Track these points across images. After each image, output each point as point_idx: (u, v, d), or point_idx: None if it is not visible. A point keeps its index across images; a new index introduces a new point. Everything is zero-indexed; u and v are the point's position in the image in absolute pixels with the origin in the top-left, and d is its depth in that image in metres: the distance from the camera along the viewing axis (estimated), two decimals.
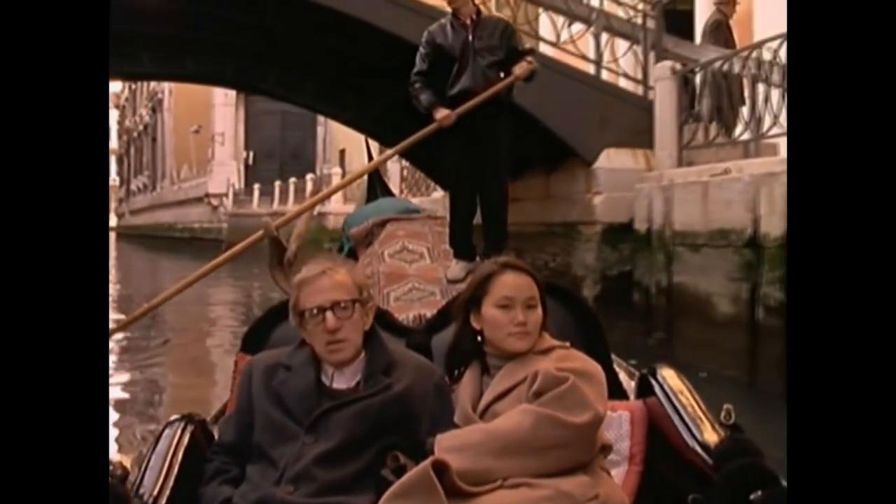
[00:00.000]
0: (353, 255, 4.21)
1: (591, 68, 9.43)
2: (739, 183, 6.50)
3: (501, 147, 4.64)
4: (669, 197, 7.52)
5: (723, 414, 1.99)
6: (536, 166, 9.53)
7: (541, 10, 9.64)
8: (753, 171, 6.48)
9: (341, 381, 2.11)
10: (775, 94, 7.04)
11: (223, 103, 33.42)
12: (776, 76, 7.12)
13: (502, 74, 4.54)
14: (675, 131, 8.31)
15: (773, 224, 6.03)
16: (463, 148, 4.53)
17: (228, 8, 9.66)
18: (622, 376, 2.66)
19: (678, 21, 13.76)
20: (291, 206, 25.05)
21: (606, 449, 2.08)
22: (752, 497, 1.73)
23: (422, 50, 4.64)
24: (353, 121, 13.52)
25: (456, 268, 3.93)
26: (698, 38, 12.41)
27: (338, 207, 21.79)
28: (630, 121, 8.82)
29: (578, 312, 2.69)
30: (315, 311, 2.07)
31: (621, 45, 9.55)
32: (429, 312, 3.01)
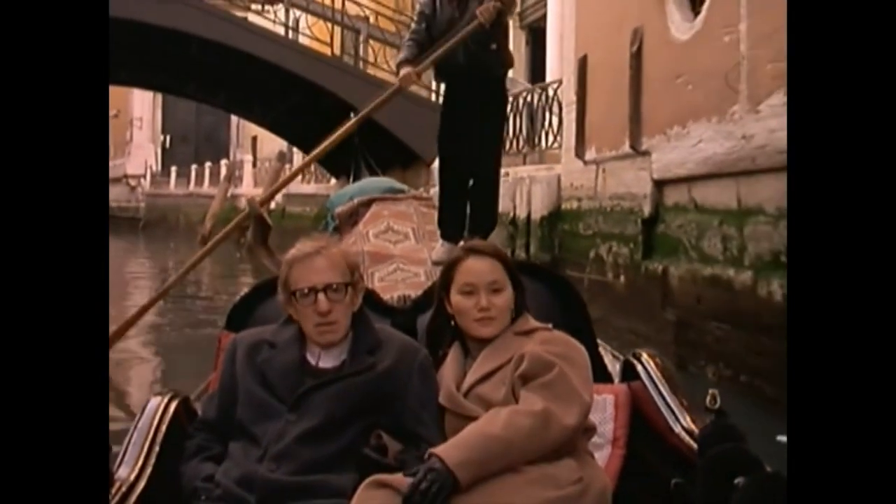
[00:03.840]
0: (337, 234, 4.16)
1: (432, 95, 12.89)
2: (507, 182, 9.96)
3: (494, 129, 4.55)
4: None
5: (708, 399, 1.98)
6: (396, 165, 12.90)
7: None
8: (514, 175, 9.96)
9: (327, 361, 2.08)
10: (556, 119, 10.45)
11: (141, 89, 35.00)
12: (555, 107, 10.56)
13: (493, 46, 4.33)
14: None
15: (521, 210, 9.50)
16: (455, 129, 4.38)
17: (158, 39, 12.68)
18: (606, 360, 2.63)
19: (538, 36, 17.21)
20: (207, 188, 27.57)
21: (590, 431, 2.08)
22: (735, 482, 1.72)
23: (415, 18, 4.60)
24: (258, 121, 16.71)
25: (441, 250, 3.88)
26: (549, 51, 15.78)
27: (248, 190, 24.51)
28: None
29: (562, 295, 2.66)
30: (307, 291, 2.04)
31: None
32: (413, 293, 2.99)
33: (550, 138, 10.43)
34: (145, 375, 7.05)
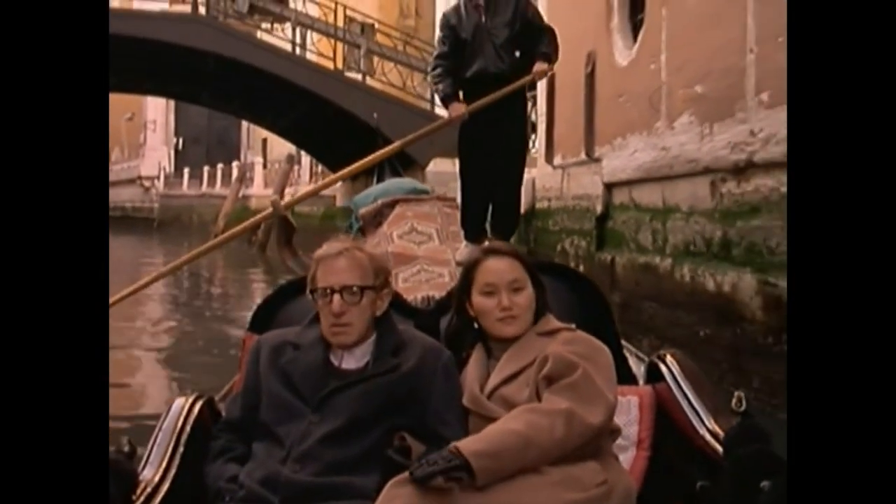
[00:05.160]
0: (361, 235, 4.17)
1: (426, 105, 14.14)
2: None
3: (517, 132, 4.55)
4: None
5: (734, 401, 1.97)
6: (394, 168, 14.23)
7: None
8: None
9: (350, 362, 2.09)
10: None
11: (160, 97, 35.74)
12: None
13: (517, 53, 4.43)
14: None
15: None
16: (477, 132, 4.40)
17: (178, 54, 13.93)
18: (630, 361, 2.62)
19: None
20: (219, 189, 28.70)
21: (615, 433, 2.06)
22: (762, 485, 1.69)
23: (439, 33, 4.56)
24: (268, 127, 17.98)
25: (465, 251, 3.85)
26: None
27: (259, 191, 25.61)
28: (450, 139, 13.43)
29: (585, 294, 2.64)
30: (326, 291, 2.06)
31: None
32: (437, 294, 2.95)
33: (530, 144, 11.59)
34: None
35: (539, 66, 4.42)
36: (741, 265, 5.39)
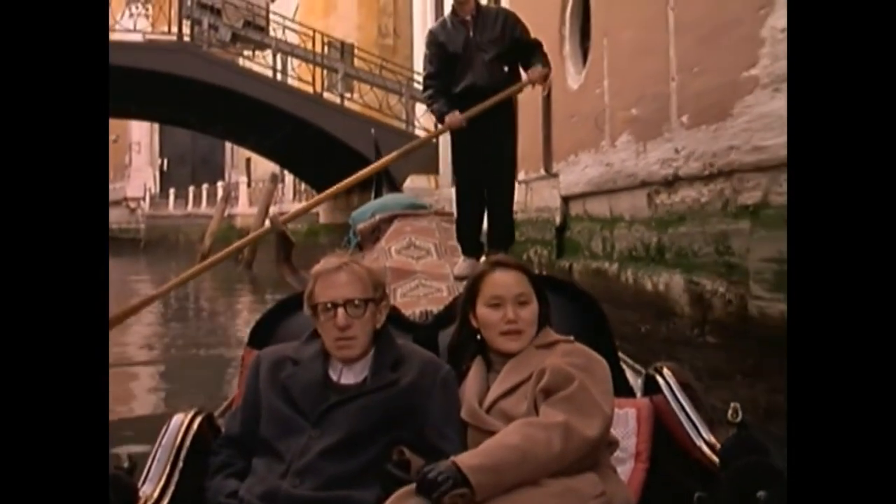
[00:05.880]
0: (360, 250, 4.21)
1: (402, 125, 14.91)
2: None
3: (507, 145, 4.59)
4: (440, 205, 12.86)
5: (730, 412, 1.97)
6: (369, 186, 14.95)
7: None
8: None
9: (349, 377, 2.11)
10: None
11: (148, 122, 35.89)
12: None
13: (506, 68, 4.50)
14: (450, 163, 13.70)
15: None
16: (469, 147, 4.45)
17: (165, 81, 14.61)
18: (628, 374, 2.65)
19: None
20: (204, 208, 29.20)
21: (613, 445, 2.09)
22: (758, 495, 1.71)
23: (427, 51, 4.57)
24: (252, 148, 18.68)
25: (463, 265, 3.84)
26: None
27: (244, 210, 26.19)
28: (425, 157, 14.19)
29: (584, 308, 2.68)
30: (328, 305, 2.07)
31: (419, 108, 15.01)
32: (435, 308, 2.94)
33: None
34: None
35: (535, 71, 4.51)
36: (673, 267, 6.10)
